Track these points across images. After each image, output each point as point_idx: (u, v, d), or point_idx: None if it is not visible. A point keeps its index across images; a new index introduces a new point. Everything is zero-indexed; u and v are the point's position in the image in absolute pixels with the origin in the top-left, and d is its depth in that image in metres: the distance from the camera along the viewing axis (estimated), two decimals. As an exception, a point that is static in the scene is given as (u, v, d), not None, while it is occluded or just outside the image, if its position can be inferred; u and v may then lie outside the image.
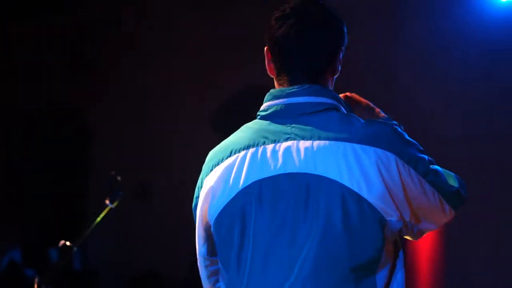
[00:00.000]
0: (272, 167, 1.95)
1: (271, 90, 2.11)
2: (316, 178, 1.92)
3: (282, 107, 2.02)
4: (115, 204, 2.94)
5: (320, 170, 1.92)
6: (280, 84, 2.10)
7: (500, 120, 7.75)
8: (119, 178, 2.91)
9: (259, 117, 2.09)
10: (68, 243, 3.00)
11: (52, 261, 8.26)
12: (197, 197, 2.13)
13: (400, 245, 2.12)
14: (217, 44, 9.09)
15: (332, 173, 1.92)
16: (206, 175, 2.09)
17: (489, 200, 7.37)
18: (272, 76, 2.14)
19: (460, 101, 7.86)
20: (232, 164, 2.00)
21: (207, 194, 2.06)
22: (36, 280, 2.96)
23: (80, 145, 10.08)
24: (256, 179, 1.97)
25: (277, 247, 1.95)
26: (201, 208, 2.10)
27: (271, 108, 2.06)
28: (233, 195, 1.99)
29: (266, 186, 1.96)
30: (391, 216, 1.94)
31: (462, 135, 7.85)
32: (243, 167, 1.97)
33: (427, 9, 7.92)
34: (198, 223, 2.16)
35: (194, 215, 2.19)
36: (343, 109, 2.07)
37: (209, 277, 2.21)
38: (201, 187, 2.11)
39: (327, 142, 1.93)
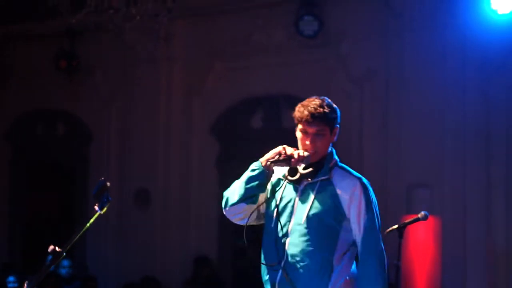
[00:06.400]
0: None
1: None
2: None
3: None
4: (104, 210, 2.96)
5: None
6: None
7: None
8: (108, 183, 2.95)
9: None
10: (57, 248, 3.03)
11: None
12: None
13: None
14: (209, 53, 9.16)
15: None
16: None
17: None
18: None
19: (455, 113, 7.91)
20: None
21: None
22: (25, 285, 2.99)
23: (77, 148, 10.13)
24: None
25: None
26: None
27: None
28: None
29: None
30: None
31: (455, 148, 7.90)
32: None
33: (425, 23, 7.96)
34: None
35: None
36: None
37: None
38: None
39: None
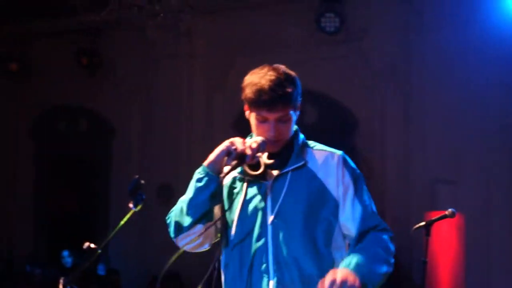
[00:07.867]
0: None
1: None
2: None
3: None
4: (138, 207, 3.00)
5: None
6: None
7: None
8: (142, 181, 2.99)
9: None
10: (92, 245, 3.08)
11: (66, 262, 8.50)
12: None
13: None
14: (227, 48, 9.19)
15: None
16: None
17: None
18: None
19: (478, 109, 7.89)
20: None
21: None
22: (61, 281, 3.03)
23: (100, 144, 10.21)
24: None
25: None
26: None
27: None
28: None
29: None
30: None
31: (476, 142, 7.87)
32: None
33: (446, 19, 7.95)
34: None
35: None
36: None
37: None
38: None
39: None
